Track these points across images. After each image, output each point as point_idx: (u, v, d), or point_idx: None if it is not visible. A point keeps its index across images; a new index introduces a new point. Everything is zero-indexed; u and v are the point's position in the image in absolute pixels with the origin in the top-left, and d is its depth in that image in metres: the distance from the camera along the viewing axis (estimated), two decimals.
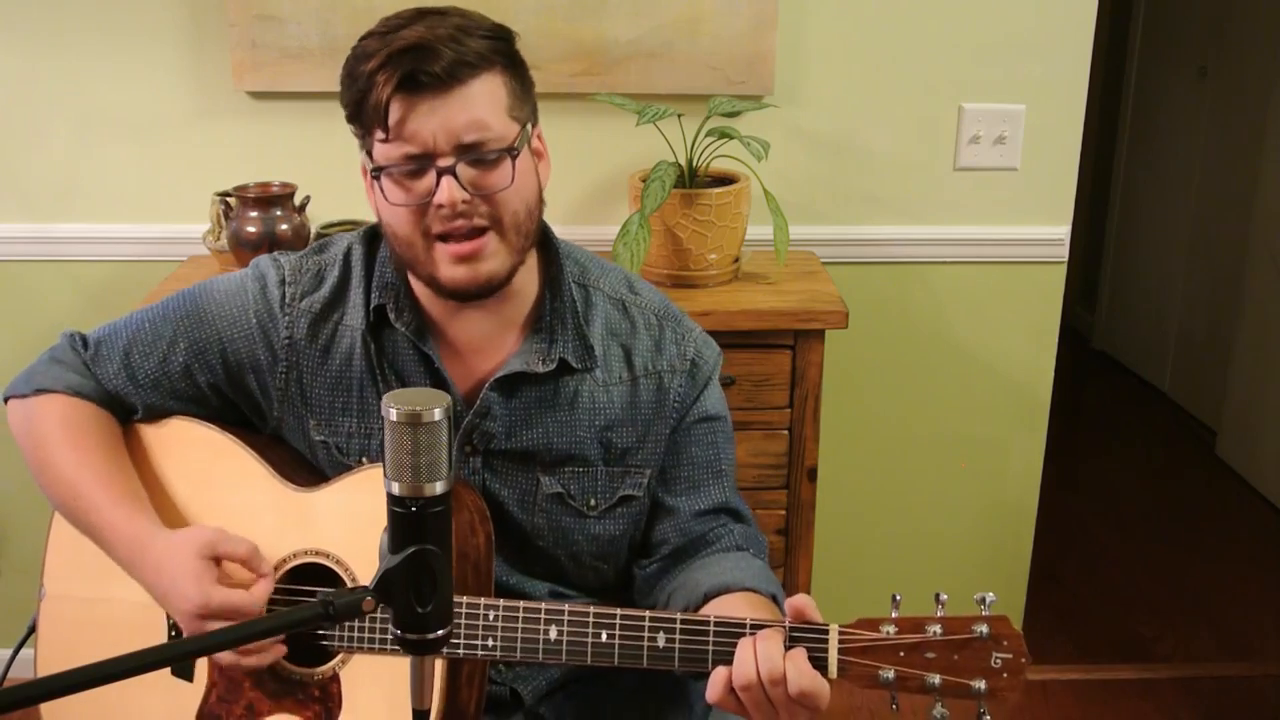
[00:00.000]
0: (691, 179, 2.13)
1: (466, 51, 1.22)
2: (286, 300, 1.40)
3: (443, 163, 1.24)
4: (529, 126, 1.31)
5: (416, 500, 0.92)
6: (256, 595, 1.29)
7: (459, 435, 1.37)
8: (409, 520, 0.93)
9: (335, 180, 2.29)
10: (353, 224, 2.24)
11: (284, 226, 2.12)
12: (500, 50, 1.27)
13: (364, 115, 1.25)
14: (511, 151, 1.27)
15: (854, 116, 2.31)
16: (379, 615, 1.13)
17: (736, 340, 1.98)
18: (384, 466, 0.93)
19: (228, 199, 2.16)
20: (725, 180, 2.14)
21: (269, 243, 2.10)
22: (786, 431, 2.08)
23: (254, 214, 2.11)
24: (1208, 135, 3.98)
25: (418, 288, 1.37)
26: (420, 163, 1.25)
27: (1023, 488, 2.56)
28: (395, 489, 0.93)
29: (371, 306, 1.37)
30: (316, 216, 2.24)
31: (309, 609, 0.92)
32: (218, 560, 1.30)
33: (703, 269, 2.12)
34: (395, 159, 1.25)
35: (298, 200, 2.16)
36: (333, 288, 1.40)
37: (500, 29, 1.29)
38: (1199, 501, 3.60)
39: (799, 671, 1.13)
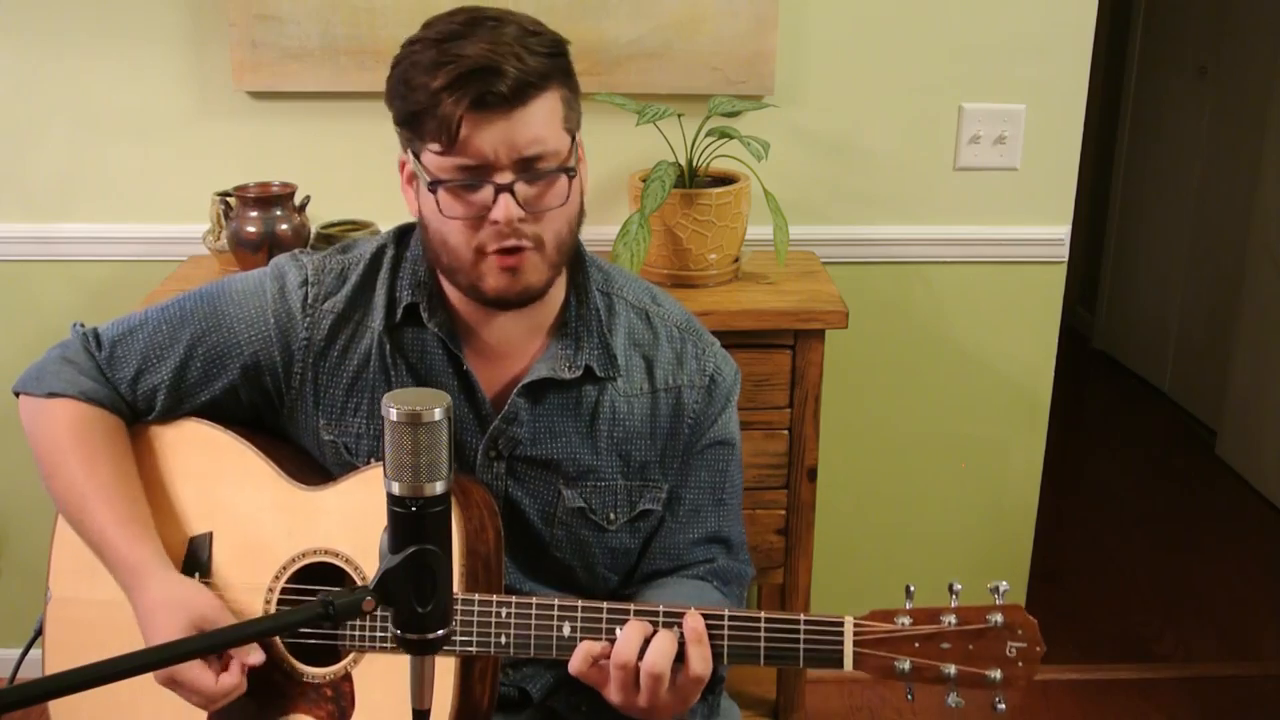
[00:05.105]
0: (691, 179, 2.13)
1: (530, 71, 1.22)
2: (309, 301, 1.39)
3: (501, 179, 1.24)
4: (576, 135, 1.31)
5: (417, 500, 0.93)
6: (223, 685, 1.28)
7: (484, 440, 1.38)
8: (409, 520, 0.93)
9: (335, 180, 2.29)
10: (353, 224, 2.24)
11: (284, 226, 2.12)
12: (559, 66, 1.27)
13: (421, 126, 1.24)
14: (569, 171, 1.27)
15: (854, 116, 2.31)
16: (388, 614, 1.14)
17: (736, 340, 1.98)
18: (384, 466, 0.93)
19: (228, 199, 2.17)
20: (725, 180, 2.14)
21: (269, 243, 2.10)
22: (786, 431, 2.08)
23: (254, 214, 2.11)
24: (1208, 135, 3.98)
25: (450, 291, 1.37)
26: (477, 175, 1.24)
27: (1023, 488, 2.56)
28: (395, 489, 0.93)
29: (403, 305, 1.37)
30: (316, 216, 2.24)
31: (309, 609, 0.92)
32: None
33: (703, 269, 2.12)
34: (451, 171, 1.25)
35: (298, 200, 2.16)
36: (355, 287, 1.39)
37: (556, 42, 1.28)
38: (1199, 501, 3.60)
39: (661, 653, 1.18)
